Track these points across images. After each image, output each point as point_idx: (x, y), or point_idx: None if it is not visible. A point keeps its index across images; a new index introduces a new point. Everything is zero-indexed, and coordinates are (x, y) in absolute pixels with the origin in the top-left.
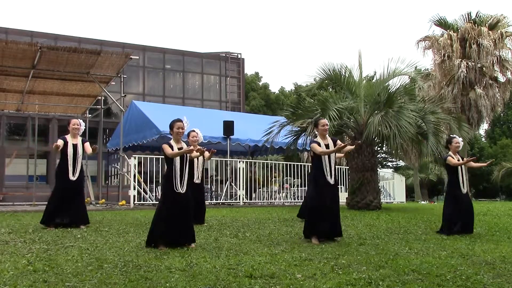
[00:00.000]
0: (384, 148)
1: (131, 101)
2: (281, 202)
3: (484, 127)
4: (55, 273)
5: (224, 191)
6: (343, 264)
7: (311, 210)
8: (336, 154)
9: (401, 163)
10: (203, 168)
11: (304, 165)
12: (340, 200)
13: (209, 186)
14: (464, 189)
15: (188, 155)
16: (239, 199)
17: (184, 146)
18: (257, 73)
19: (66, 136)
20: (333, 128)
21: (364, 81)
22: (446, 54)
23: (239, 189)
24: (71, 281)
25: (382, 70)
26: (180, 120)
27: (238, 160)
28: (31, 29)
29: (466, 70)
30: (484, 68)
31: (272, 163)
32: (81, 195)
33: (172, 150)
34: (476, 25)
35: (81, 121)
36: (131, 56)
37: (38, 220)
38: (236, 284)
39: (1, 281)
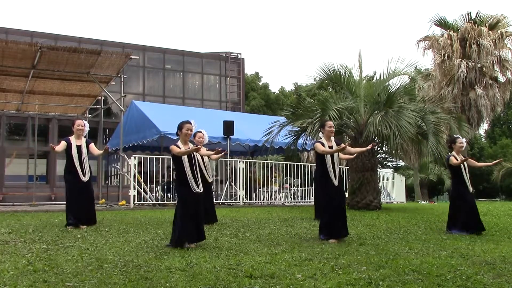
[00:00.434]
0: (384, 148)
1: (131, 101)
2: (281, 202)
3: (484, 127)
4: (55, 273)
5: (224, 191)
6: (343, 264)
7: (324, 212)
8: (344, 155)
9: (401, 163)
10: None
11: (304, 165)
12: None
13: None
14: (470, 188)
15: (195, 154)
16: (239, 199)
17: (191, 147)
18: (257, 73)
19: (69, 137)
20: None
21: (364, 81)
22: (446, 54)
23: (239, 189)
24: (71, 281)
25: (382, 70)
26: (189, 122)
27: (238, 160)
28: (31, 29)
29: (466, 70)
30: (484, 68)
31: (272, 163)
32: (92, 195)
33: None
34: (476, 25)
35: (85, 122)
36: (131, 56)
37: (38, 220)
38: (236, 284)
39: (1, 281)
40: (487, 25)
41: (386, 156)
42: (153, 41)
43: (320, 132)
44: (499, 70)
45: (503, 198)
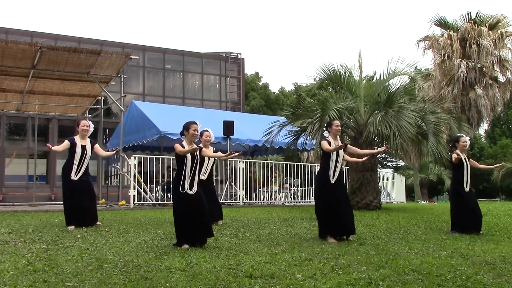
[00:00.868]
0: None
1: (131, 101)
2: (281, 202)
3: (484, 127)
4: (55, 273)
5: (224, 191)
6: (343, 264)
7: (320, 210)
8: (351, 158)
9: (401, 163)
10: (212, 168)
11: (304, 165)
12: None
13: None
14: (467, 187)
15: (198, 154)
16: (239, 199)
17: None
18: (257, 73)
19: (74, 137)
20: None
21: (364, 81)
22: (446, 54)
23: (239, 189)
24: (71, 281)
25: (382, 70)
26: (195, 123)
27: (238, 160)
28: (31, 29)
29: (466, 70)
30: (484, 68)
31: (272, 163)
32: (88, 194)
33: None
34: (476, 25)
35: (90, 122)
36: (131, 56)
37: (38, 220)
38: (236, 284)
39: (1, 281)
40: (487, 25)
41: (386, 156)
42: (153, 41)
43: (326, 132)
44: (499, 70)
45: (503, 198)
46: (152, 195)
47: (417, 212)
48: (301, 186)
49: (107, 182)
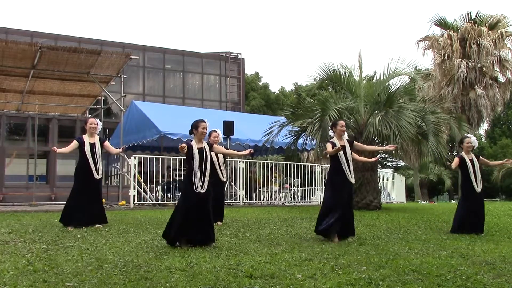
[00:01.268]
0: None
1: (131, 101)
2: (281, 202)
3: (484, 127)
4: (55, 273)
5: (224, 191)
6: (343, 264)
7: (329, 209)
8: (359, 157)
9: (401, 163)
10: (226, 167)
11: (304, 165)
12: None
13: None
14: (478, 188)
15: (207, 153)
16: (239, 199)
17: (206, 146)
18: (257, 73)
19: (82, 136)
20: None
21: (364, 81)
22: (446, 54)
23: (239, 189)
24: (71, 281)
25: (382, 70)
26: (204, 121)
27: (238, 160)
28: (31, 29)
29: (466, 70)
30: (484, 68)
31: (272, 163)
32: (101, 194)
33: (191, 151)
34: (476, 25)
35: (98, 120)
36: (131, 56)
37: (38, 220)
38: (236, 284)
39: (1, 281)
40: (487, 25)
41: (386, 156)
42: (153, 41)
43: (331, 131)
44: (499, 70)
45: (503, 198)
46: (152, 195)
47: (417, 212)
48: (301, 186)
49: (107, 182)
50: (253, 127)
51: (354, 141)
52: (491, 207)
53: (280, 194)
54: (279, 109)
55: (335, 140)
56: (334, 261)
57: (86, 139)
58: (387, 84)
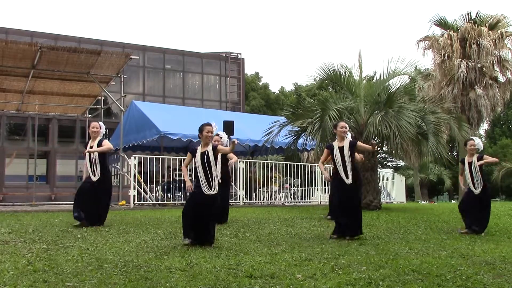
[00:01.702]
0: (384, 148)
1: (131, 101)
2: (281, 202)
3: (484, 127)
4: (55, 273)
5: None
6: (343, 264)
7: (336, 209)
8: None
9: (401, 163)
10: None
11: (304, 165)
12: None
13: None
14: (476, 190)
15: (209, 156)
16: (239, 199)
17: (210, 150)
18: (257, 73)
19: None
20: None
21: (364, 81)
22: (446, 54)
23: (239, 189)
24: (71, 281)
25: (382, 70)
26: (209, 124)
27: (238, 160)
28: (31, 29)
29: (466, 70)
30: (484, 68)
31: (272, 163)
32: (98, 195)
33: (194, 155)
34: (476, 25)
35: (101, 123)
36: (131, 56)
37: (38, 220)
38: (236, 284)
39: (1, 281)
40: (487, 25)
41: (386, 156)
42: (153, 41)
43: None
44: (499, 70)
45: (503, 198)
46: (152, 195)
47: (417, 212)
48: (301, 186)
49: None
50: (253, 127)
51: (358, 142)
52: (491, 207)
53: (280, 194)
54: (279, 109)
55: (335, 143)
56: (334, 261)
57: (90, 143)
58: (387, 84)
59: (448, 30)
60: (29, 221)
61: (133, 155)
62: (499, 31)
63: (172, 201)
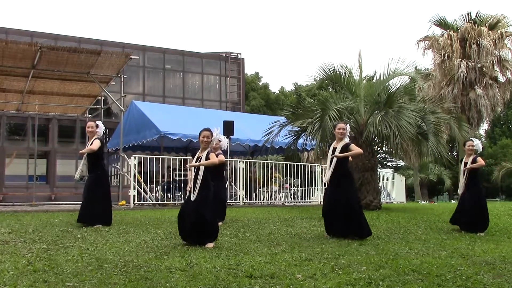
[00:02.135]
0: (384, 148)
1: (131, 101)
2: (281, 202)
3: (484, 127)
4: (55, 273)
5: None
6: (343, 264)
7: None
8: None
9: (401, 163)
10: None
11: (304, 165)
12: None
13: None
14: (460, 190)
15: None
16: (239, 199)
17: (204, 157)
18: (257, 73)
19: None
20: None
21: (364, 81)
22: (446, 54)
23: (239, 189)
24: (71, 281)
25: (382, 70)
26: (207, 130)
27: (238, 160)
28: (31, 29)
29: (466, 70)
30: (484, 68)
31: (272, 163)
32: (88, 194)
33: (193, 159)
34: (476, 25)
35: (98, 123)
36: (131, 56)
37: (38, 220)
38: (236, 284)
39: (1, 281)
40: (487, 25)
41: (386, 156)
42: (153, 41)
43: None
44: (499, 70)
45: (503, 198)
46: (152, 195)
47: (417, 212)
48: (301, 186)
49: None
50: (253, 127)
51: (351, 145)
52: (491, 207)
53: (280, 194)
54: (279, 109)
55: (334, 143)
56: (334, 261)
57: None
58: (387, 84)
59: (448, 30)
60: (29, 221)
61: (133, 155)
62: (499, 31)
63: (172, 201)
